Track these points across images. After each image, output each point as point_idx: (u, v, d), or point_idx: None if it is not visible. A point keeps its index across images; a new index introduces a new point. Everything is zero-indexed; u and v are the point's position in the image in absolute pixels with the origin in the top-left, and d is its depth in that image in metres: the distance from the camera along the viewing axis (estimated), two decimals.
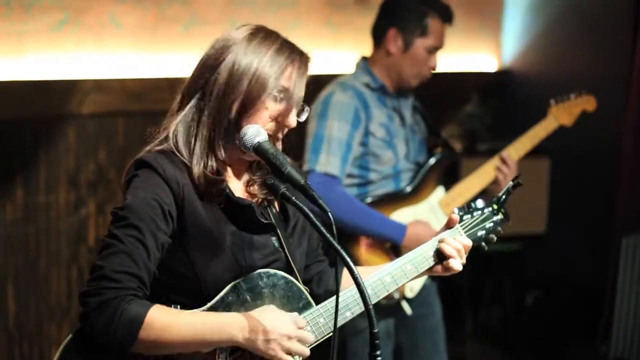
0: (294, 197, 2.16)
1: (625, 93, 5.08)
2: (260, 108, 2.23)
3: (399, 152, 3.74)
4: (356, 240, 3.60)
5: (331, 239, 2.03)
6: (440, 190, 3.85)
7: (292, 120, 2.28)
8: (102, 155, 4.20)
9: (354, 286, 1.99)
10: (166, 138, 2.26)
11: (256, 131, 2.19)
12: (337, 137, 3.55)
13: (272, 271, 2.27)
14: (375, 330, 1.94)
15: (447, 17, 3.73)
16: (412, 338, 3.84)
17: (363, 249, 3.60)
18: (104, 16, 4.13)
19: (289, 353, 2.13)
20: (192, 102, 2.26)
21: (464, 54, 5.77)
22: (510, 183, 2.58)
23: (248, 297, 2.22)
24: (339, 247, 2.01)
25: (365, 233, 3.57)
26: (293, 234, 2.42)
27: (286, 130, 2.31)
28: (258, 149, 2.17)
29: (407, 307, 3.69)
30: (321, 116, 3.58)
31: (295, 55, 2.28)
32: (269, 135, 2.25)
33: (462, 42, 5.51)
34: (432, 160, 3.83)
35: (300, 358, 2.22)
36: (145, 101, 4.24)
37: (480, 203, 2.56)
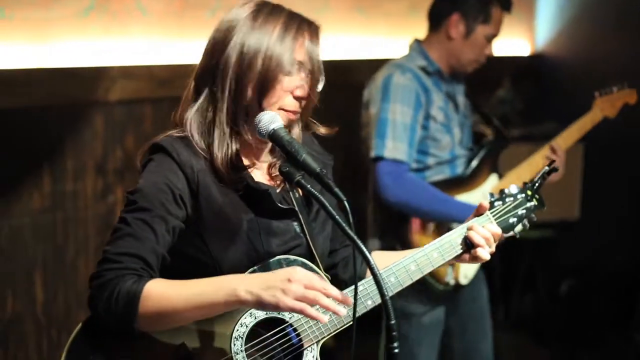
0: (309, 185, 2.09)
1: None
2: (277, 86, 2.19)
3: (455, 138, 3.74)
4: (406, 221, 3.59)
5: (347, 228, 1.96)
6: (494, 178, 3.84)
7: (312, 93, 2.24)
8: (129, 142, 4.18)
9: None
10: (184, 126, 2.25)
11: (271, 118, 2.15)
12: (401, 121, 3.53)
13: (292, 257, 2.24)
14: (392, 322, 1.88)
15: (507, 6, 3.78)
16: (462, 322, 3.86)
17: (414, 230, 3.58)
18: (129, 2, 4.10)
19: (295, 298, 1.95)
20: (206, 90, 2.24)
21: (497, 37, 5.70)
22: (546, 168, 2.48)
23: None
24: (355, 237, 1.95)
25: (440, 218, 3.55)
26: (316, 219, 2.38)
27: (305, 103, 2.26)
28: (273, 136, 2.13)
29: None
30: (383, 100, 3.57)
31: (305, 26, 2.23)
32: (289, 111, 2.22)
33: None
34: (487, 147, 3.83)
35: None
36: (173, 87, 4.18)
37: (514, 189, 2.45)
